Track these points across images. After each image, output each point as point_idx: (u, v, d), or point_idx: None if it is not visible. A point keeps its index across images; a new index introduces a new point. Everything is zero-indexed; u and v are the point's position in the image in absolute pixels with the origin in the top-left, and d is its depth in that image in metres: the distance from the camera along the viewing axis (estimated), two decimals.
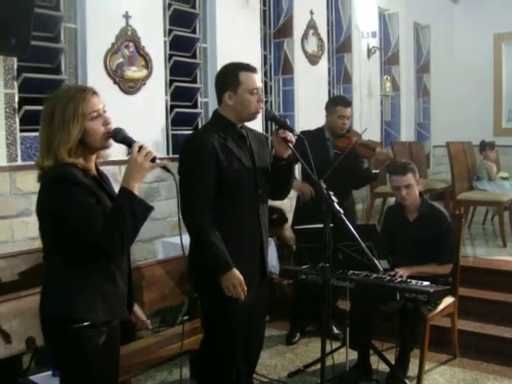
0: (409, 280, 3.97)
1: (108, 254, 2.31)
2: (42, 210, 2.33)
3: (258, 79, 3.19)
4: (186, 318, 5.07)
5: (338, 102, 4.95)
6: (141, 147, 2.32)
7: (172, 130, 5.94)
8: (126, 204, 2.27)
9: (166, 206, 5.61)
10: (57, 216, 2.26)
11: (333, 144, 4.87)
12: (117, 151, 2.32)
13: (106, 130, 2.36)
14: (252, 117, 3.20)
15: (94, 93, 2.39)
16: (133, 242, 2.37)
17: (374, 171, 4.87)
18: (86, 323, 2.32)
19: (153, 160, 2.33)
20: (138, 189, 2.32)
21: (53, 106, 2.34)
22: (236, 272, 3.04)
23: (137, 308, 2.80)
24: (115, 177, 5.04)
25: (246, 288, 3.07)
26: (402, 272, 4.03)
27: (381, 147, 4.95)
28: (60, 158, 2.28)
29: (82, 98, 2.32)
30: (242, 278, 3.05)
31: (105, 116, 2.38)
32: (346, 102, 4.97)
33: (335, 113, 4.87)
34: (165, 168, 2.40)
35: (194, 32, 6.24)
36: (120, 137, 2.38)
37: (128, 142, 2.38)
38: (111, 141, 2.39)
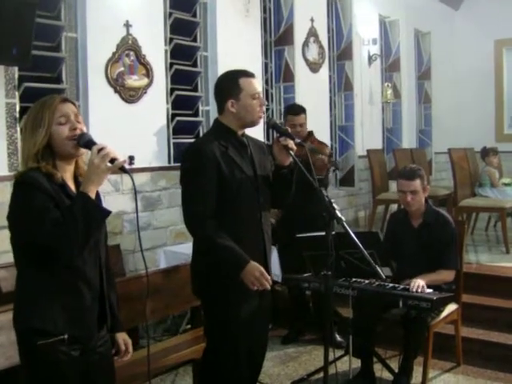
0: (428, 290, 3.93)
1: (57, 255, 2.24)
2: (7, 216, 2.34)
3: (257, 84, 3.19)
4: (188, 326, 5.08)
5: (288, 111, 5.13)
6: (101, 149, 2.28)
7: (173, 138, 5.93)
8: (78, 206, 2.23)
9: (167, 214, 5.60)
10: (13, 219, 2.29)
11: (296, 151, 4.91)
12: None
13: (70, 135, 2.36)
14: (255, 123, 3.19)
15: (65, 100, 2.43)
16: (86, 245, 2.33)
17: (317, 177, 4.83)
18: (51, 339, 2.30)
19: (112, 161, 2.29)
20: (95, 191, 2.29)
21: (27, 117, 2.42)
22: (255, 264, 3.00)
23: (120, 335, 2.68)
24: (117, 186, 5.06)
25: (269, 277, 3.02)
26: (421, 281, 3.95)
27: (324, 153, 4.95)
28: (28, 164, 2.32)
29: (49, 105, 2.37)
30: (261, 268, 3.01)
31: (74, 122, 2.39)
32: (295, 110, 5.06)
33: (287, 122, 5.02)
34: (122, 169, 2.34)
35: (194, 40, 6.24)
36: (83, 141, 2.36)
37: (90, 145, 2.33)
38: (78, 147, 2.38)
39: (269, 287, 3.03)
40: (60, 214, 2.24)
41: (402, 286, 3.95)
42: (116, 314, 2.64)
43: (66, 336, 2.33)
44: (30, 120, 2.38)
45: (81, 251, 2.31)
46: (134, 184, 2.45)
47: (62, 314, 2.33)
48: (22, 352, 2.39)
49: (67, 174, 2.44)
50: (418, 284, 3.91)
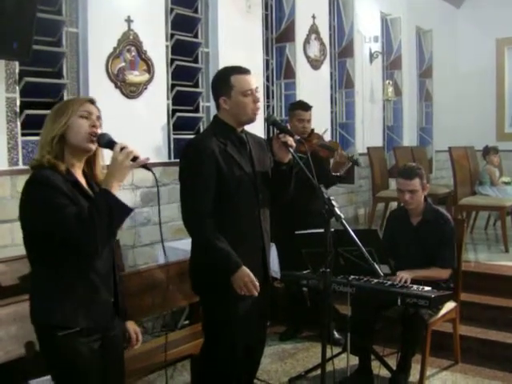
0: (410, 285, 3.96)
1: (81, 251, 2.30)
2: (20, 214, 2.38)
3: (251, 80, 3.16)
4: (186, 322, 5.08)
5: (296, 106, 5.12)
6: (123, 148, 2.35)
7: (174, 134, 5.94)
8: (102, 202, 2.28)
9: (167, 210, 5.59)
10: (31, 219, 2.33)
11: (296, 148, 4.94)
12: None
13: (90, 130, 2.41)
14: (250, 119, 3.18)
15: (91, 101, 2.50)
16: (108, 242, 2.40)
17: (333, 174, 4.89)
18: (70, 330, 2.35)
19: (134, 159, 2.35)
20: (117, 188, 2.34)
21: (52, 109, 2.49)
22: (245, 270, 3.02)
23: (129, 324, 2.78)
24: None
25: (257, 284, 3.04)
26: (405, 275, 4.00)
27: (341, 149, 4.99)
28: (44, 149, 2.37)
29: (76, 100, 2.51)
30: (252, 275, 3.03)
31: (95, 120, 2.45)
32: (305, 106, 5.08)
33: (294, 117, 5.01)
34: (145, 167, 2.41)
35: (195, 36, 6.24)
36: (104, 140, 2.43)
37: (112, 144, 2.40)
38: (92, 145, 2.43)
39: (256, 294, 3.05)
40: (76, 210, 2.28)
41: (389, 283, 3.97)
42: (124, 304, 2.70)
43: (83, 327, 2.39)
44: (54, 110, 2.46)
45: (104, 246, 2.36)
46: (156, 180, 2.50)
47: (79, 307, 2.38)
48: (43, 346, 2.44)
49: (75, 169, 2.47)
50: (402, 277, 3.97)
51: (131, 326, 2.77)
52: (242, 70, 3.17)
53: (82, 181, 2.48)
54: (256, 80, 3.25)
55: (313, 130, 5.13)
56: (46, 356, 2.44)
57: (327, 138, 5.18)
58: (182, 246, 4.90)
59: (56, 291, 2.36)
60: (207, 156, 3.04)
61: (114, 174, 2.33)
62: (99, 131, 2.44)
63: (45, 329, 2.38)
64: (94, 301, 2.43)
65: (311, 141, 4.93)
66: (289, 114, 5.17)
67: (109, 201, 2.29)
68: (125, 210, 2.35)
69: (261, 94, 3.33)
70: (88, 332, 2.40)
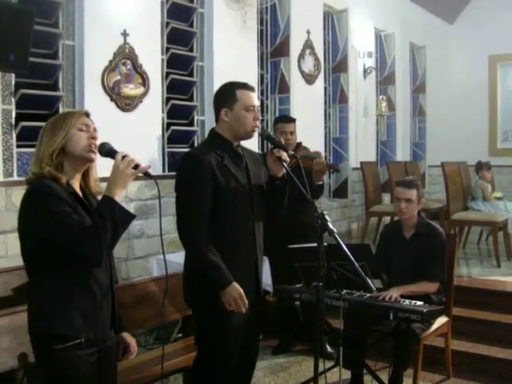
0: (402, 300, 3.97)
1: (86, 258, 2.31)
2: (20, 224, 2.39)
3: (254, 97, 3.22)
4: (179, 335, 5.07)
5: (278, 120, 5.24)
6: (124, 156, 2.38)
7: (168, 147, 5.96)
8: (105, 209, 2.32)
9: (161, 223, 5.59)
10: (33, 227, 2.33)
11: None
12: None
13: (89, 143, 2.44)
14: (248, 135, 3.21)
15: (87, 114, 2.53)
16: (112, 248, 2.42)
17: (317, 183, 4.90)
18: (69, 343, 2.34)
19: (135, 167, 2.38)
20: (119, 196, 2.37)
21: (47, 122, 2.50)
22: (236, 285, 3.03)
23: (126, 335, 2.80)
24: None
25: (246, 301, 3.06)
26: (394, 293, 4.02)
27: (319, 157, 5.03)
28: (43, 162, 2.37)
29: (73, 114, 2.50)
30: (242, 291, 3.04)
31: (93, 132, 2.48)
32: (286, 119, 5.18)
33: (277, 130, 5.08)
34: (147, 174, 2.45)
35: (191, 50, 6.28)
36: (105, 149, 2.46)
37: (113, 153, 2.43)
38: (93, 155, 2.46)
39: (244, 311, 3.06)
40: (78, 218, 2.30)
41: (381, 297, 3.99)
42: (120, 315, 2.71)
43: (82, 340, 2.38)
44: (50, 125, 2.46)
45: (107, 253, 2.38)
46: (158, 188, 2.58)
47: (79, 318, 2.38)
48: (39, 357, 2.43)
49: (74, 181, 2.49)
50: (391, 295, 3.98)
51: (128, 337, 2.78)
52: (248, 87, 3.21)
53: (80, 193, 2.50)
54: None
55: (300, 143, 5.17)
56: (42, 367, 2.43)
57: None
58: (175, 258, 4.90)
59: (56, 301, 2.35)
60: (204, 168, 3.06)
61: (116, 182, 2.36)
62: (97, 143, 2.47)
63: (42, 339, 2.37)
64: (94, 312, 2.43)
65: (298, 153, 4.97)
66: (273, 129, 5.24)
67: (112, 207, 2.32)
68: (128, 217, 2.39)
69: (259, 113, 3.37)
70: (87, 344, 2.40)
